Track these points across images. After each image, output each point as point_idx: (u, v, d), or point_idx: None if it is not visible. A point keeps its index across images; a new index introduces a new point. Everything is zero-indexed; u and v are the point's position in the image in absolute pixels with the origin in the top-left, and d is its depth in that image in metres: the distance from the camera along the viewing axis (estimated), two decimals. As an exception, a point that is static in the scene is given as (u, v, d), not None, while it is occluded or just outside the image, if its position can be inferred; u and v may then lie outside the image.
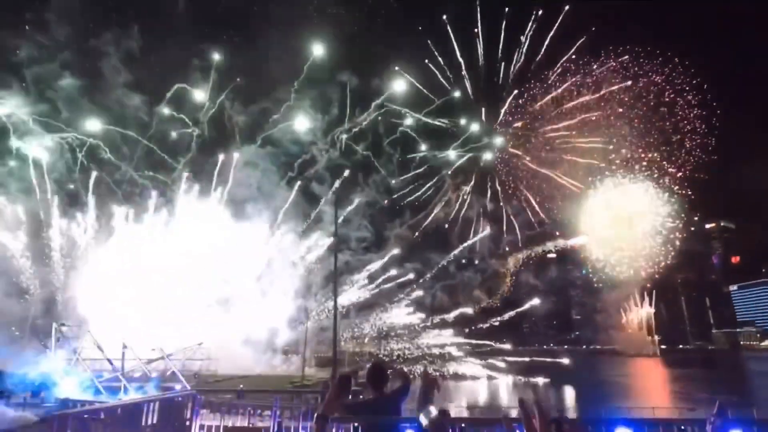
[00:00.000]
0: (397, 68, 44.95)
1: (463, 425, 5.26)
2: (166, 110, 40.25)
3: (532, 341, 43.29)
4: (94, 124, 37.95)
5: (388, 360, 38.94)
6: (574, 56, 46.03)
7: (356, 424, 6.04)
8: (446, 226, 45.07)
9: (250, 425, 8.56)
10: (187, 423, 7.62)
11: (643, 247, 45.23)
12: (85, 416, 6.21)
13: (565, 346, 44.01)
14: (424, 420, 2.39)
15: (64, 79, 36.67)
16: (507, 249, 45.72)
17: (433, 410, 2.43)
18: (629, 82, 44.62)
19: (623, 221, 45.92)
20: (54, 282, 35.65)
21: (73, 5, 36.90)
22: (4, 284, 32.39)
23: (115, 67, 37.58)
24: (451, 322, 42.21)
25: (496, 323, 42.79)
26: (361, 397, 4.99)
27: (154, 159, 40.24)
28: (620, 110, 44.89)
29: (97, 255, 35.39)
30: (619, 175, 45.43)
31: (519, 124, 47.23)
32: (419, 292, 42.64)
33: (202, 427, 7.75)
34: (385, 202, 44.83)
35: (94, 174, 38.16)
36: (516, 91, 47.26)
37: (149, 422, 6.93)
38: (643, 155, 45.03)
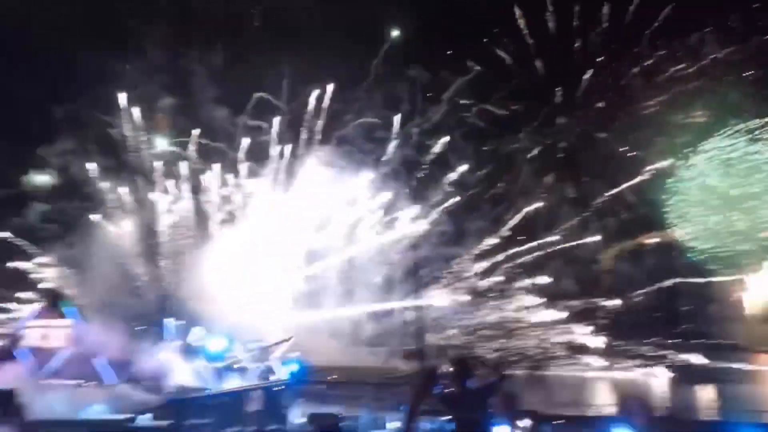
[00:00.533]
0: (468, 61, 43.69)
1: (555, 422, 5.08)
2: (248, 120, 42.84)
3: (631, 336, 39.92)
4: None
5: (482, 355, 38.36)
6: (662, 23, 41.27)
7: (445, 418, 6.09)
8: (529, 217, 42.99)
9: (342, 414, 8.96)
10: (285, 411, 8.17)
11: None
12: (199, 402, 6.93)
13: (670, 341, 40.06)
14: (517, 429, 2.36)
15: (163, 98, 40.89)
16: (601, 238, 42.52)
17: (527, 422, 2.40)
18: (731, 48, 39.28)
19: (736, 199, 40.91)
20: (166, 280, 39.89)
21: (162, 30, 40.76)
22: (125, 283, 37.11)
23: (202, 83, 40.78)
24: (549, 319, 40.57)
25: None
26: (446, 390, 5.04)
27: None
28: (725, 77, 39.66)
29: (199, 259, 38.95)
30: (728, 147, 40.31)
31: (601, 104, 43.55)
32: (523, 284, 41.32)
33: (298, 414, 8.26)
34: (460, 197, 43.76)
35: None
36: (595, 69, 43.54)
37: (252, 409, 7.57)
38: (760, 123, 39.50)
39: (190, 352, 23.74)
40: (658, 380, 36.81)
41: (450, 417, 5.43)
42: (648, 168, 41.77)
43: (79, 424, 8.52)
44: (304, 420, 8.04)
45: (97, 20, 39.71)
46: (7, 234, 38.56)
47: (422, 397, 2.83)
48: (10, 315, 35.32)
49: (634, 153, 41.58)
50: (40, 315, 22.81)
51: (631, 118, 41.55)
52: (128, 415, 15.27)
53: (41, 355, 21.37)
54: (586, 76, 43.25)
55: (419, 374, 2.66)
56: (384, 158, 42.78)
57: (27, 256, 39.20)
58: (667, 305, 41.39)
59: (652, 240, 43.69)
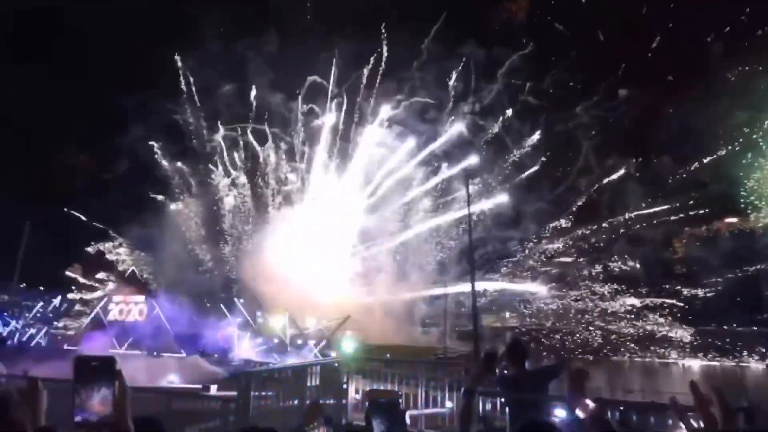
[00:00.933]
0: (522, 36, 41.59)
1: (621, 408, 4.87)
2: (302, 104, 43.69)
3: (709, 323, 37.16)
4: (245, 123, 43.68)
5: (543, 336, 37.55)
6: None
7: (503, 399, 6.04)
8: (593, 195, 40.61)
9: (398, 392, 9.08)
10: (344, 386, 8.42)
11: None
12: (264, 375, 7.33)
13: (755, 328, 36.90)
14: (581, 413, 2.25)
15: (223, 86, 42.53)
16: (670, 218, 39.53)
17: (590, 403, 2.28)
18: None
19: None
20: (230, 260, 42.13)
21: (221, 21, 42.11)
22: (193, 262, 39.54)
23: (257, 69, 41.86)
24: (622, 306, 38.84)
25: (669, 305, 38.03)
26: (505, 372, 4.99)
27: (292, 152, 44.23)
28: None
29: (259, 240, 40.64)
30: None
31: (671, 75, 39.45)
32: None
33: (356, 390, 8.46)
34: (518, 177, 42.25)
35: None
36: (662, 35, 39.56)
37: (313, 383, 7.90)
38: None
39: (253, 328, 25.11)
40: (750, 369, 34.40)
41: (505, 399, 5.38)
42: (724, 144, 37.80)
43: (157, 391, 9.27)
44: (360, 395, 8.24)
45: (159, 12, 42.09)
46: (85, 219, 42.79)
47: (480, 378, 2.80)
48: (94, 294, 38.90)
49: (709, 127, 37.60)
50: (119, 292, 24.88)
51: (706, 89, 37.44)
52: (199, 385, 16.49)
53: (122, 328, 23.35)
54: (654, 44, 39.73)
55: (479, 357, 2.62)
56: (438, 139, 42.32)
57: (105, 239, 42.87)
58: (749, 291, 37.89)
59: (729, 223, 40.01)
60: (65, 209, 41.41)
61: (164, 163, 43.11)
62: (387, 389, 8.25)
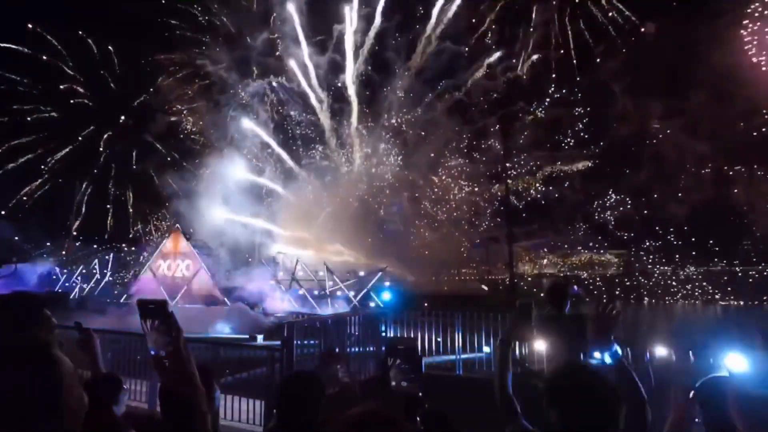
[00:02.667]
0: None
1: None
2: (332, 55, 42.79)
3: (754, 263, 35.02)
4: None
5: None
6: None
7: (538, 342, 6.05)
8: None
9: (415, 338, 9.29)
10: (383, 335, 8.69)
11: None
12: (306, 325, 7.64)
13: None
14: (608, 359, 2.20)
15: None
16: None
17: (617, 349, 2.22)
18: None
19: None
20: (266, 215, 43.33)
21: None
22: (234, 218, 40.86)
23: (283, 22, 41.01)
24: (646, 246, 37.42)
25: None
26: (544, 315, 4.97)
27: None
28: None
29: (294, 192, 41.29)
30: None
31: None
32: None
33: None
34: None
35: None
36: None
37: (353, 332, 8.20)
38: None
39: (294, 280, 26.04)
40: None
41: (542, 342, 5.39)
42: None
43: (207, 341, 9.88)
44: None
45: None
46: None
47: (516, 329, 2.79)
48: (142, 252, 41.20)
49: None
50: (166, 247, 26.05)
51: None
52: (246, 335, 17.46)
53: (170, 281, 24.69)
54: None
55: (516, 308, 2.58)
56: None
57: (154, 195, 44.64)
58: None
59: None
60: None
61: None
62: (406, 336, 8.48)
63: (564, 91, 40.09)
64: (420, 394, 2.43)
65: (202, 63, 43.75)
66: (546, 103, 40.58)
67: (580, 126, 39.46)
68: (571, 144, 39.88)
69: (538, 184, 40.73)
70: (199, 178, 39.59)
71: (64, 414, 1.14)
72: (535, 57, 40.23)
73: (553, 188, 39.93)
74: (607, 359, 2.18)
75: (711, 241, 35.71)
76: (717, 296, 33.65)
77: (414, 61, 41.80)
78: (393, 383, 2.41)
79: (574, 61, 39.38)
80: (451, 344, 8.96)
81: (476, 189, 41.83)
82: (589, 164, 39.02)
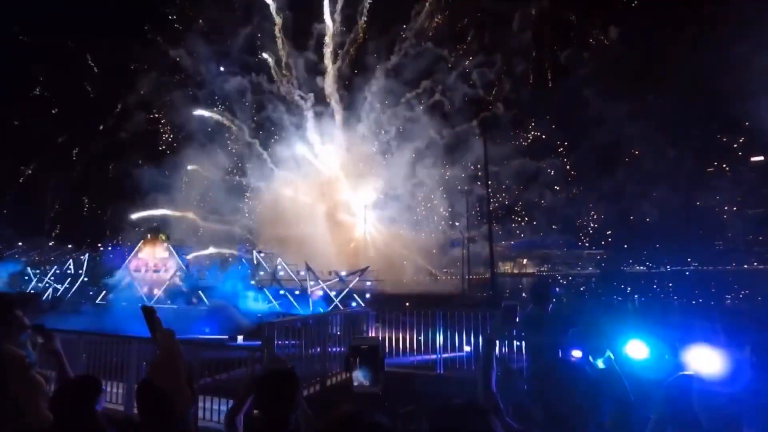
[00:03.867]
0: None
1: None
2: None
3: (728, 261, 35.95)
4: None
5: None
6: None
7: (518, 343, 6.10)
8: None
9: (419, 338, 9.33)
10: (364, 334, 8.68)
11: None
12: (286, 325, 7.58)
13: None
14: (601, 364, 2.30)
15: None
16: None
17: (610, 354, 2.32)
18: None
19: None
20: (247, 212, 42.77)
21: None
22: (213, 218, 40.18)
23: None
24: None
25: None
26: (526, 313, 5.04)
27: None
28: None
29: (273, 191, 40.87)
30: None
31: None
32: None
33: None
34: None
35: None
36: None
37: (334, 332, 8.18)
38: None
39: (275, 279, 25.81)
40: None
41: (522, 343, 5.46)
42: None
43: (186, 342, 9.70)
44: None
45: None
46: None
47: (501, 329, 2.84)
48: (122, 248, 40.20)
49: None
50: (145, 247, 25.54)
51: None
52: (226, 336, 17.23)
53: (149, 280, 24.22)
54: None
55: (501, 309, 2.62)
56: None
57: (132, 197, 43.66)
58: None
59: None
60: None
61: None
62: (368, 336, 8.52)
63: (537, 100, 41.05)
64: (380, 393, 2.46)
65: (179, 60, 43.12)
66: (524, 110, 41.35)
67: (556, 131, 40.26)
68: (549, 148, 40.60)
69: (516, 186, 41.28)
70: (177, 176, 38.92)
71: (8, 405, 1.13)
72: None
73: (533, 189, 40.51)
74: (600, 364, 2.29)
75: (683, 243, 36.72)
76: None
77: (392, 62, 42.03)
78: (355, 383, 2.43)
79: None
80: (432, 343, 9.00)
81: (458, 188, 42.14)
82: (567, 166, 39.79)
